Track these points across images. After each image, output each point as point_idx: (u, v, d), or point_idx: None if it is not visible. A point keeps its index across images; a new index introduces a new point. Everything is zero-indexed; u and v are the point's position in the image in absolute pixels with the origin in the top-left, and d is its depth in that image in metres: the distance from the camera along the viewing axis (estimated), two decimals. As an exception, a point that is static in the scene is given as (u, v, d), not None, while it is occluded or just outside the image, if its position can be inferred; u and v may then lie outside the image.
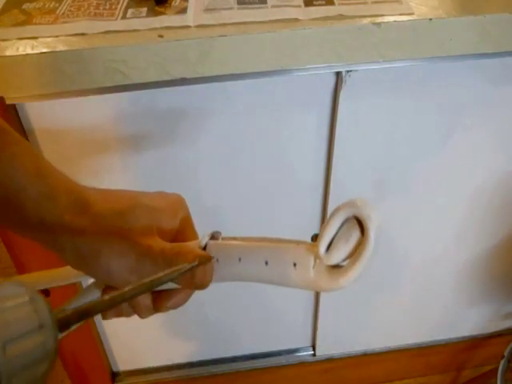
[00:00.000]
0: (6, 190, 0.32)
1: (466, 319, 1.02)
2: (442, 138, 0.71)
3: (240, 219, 0.76)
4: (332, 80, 0.63)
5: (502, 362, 0.91)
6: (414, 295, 0.94)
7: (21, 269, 0.71)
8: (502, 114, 0.70)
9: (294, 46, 0.54)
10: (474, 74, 0.65)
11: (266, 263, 0.35)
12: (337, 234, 0.32)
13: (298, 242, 0.36)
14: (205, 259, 0.35)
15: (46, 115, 0.61)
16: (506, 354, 0.91)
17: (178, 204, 0.38)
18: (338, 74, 0.62)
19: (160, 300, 0.38)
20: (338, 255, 0.32)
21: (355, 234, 0.31)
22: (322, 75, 0.62)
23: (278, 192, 0.74)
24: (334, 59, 0.56)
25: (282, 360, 1.02)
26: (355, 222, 0.31)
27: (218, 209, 0.74)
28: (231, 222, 0.76)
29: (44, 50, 0.52)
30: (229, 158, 0.69)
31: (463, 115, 0.69)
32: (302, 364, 1.02)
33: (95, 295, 0.39)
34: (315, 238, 0.85)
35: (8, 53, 0.52)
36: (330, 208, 0.75)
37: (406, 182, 0.76)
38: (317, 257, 0.33)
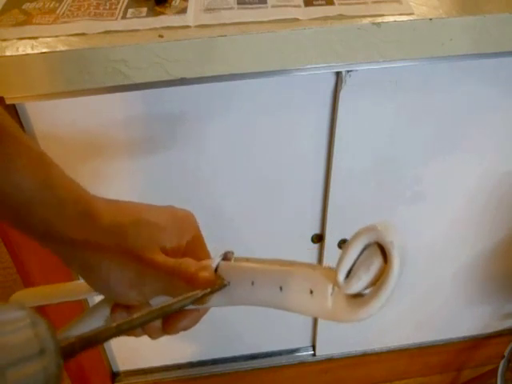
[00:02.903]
0: (15, 200, 0.32)
1: (466, 319, 1.02)
2: (442, 137, 0.71)
3: (240, 218, 0.76)
4: (332, 80, 0.63)
5: (502, 362, 0.91)
6: (414, 295, 0.94)
7: (21, 269, 0.71)
8: (502, 113, 0.70)
9: (294, 46, 0.54)
10: (474, 74, 0.64)
11: (281, 289, 0.33)
12: (357, 260, 0.29)
13: (314, 267, 0.33)
14: (216, 283, 0.34)
15: (46, 115, 0.61)
16: (506, 354, 0.91)
17: (185, 223, 0.37)
18: (337, 74, 0.62)
19: (170, 322, 0.37)
20: (359, 284, 0.29)
21: (377, 262, 0.28)
22: (321, 75, 0.62)
23: (278, 192, 0.74)
24: (333, 59, 0.56)
25: (282, 360, 1.02)
26: (377, 247, 0.29)
27: (217, 207, 0.74)
28: (231, 220, 0.76)
29: (44, 50, 0.52)
30: (228, 157, 0.69)
31: (463, 115, 0.69)
32: (302, 364, 1.02)
33: (104, 313, 0.39)
34: (316, 238, 0.85)
35: (8, 53, 0.52)
36: (330, 208, 0.75)
37: (406, 182, 0.76)
38: (335, 284, 0.30)
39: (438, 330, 1.03)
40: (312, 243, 0.81)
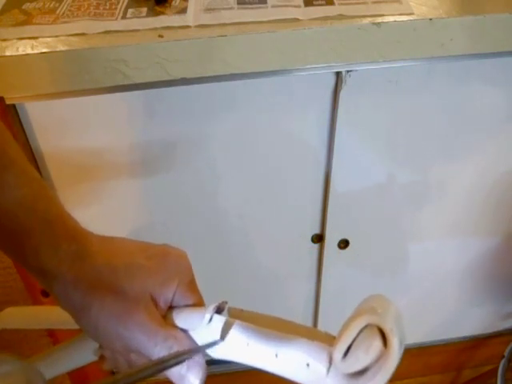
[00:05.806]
0: (10, 230, 0.32)
1: (467, 319, 1.02)
2: (442, 137, 0.71)
3: (240, 218, 0.76)
4: (332, 80, 0.63)
5: (502, 362, 0.91)
6: (414, 296, 0.94)
7: (21, 269, 0.71)
8: (502, 113, 0.70)
9: (294, 46, 0.55)
10: (474, 74, 0.65)
11: (276, 356, 0.32)
12: (356, 338, 0.29)
13: (312, 335, 0.32)
14: (211, 343, 0.34)
15: (46, 115, 0.61)
16: (505, 354, 0.91)
17: (177, 265, 0.37)
18: (337, 73, 0.62)
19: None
20: (357, 365, 0.29)
21: (376, 345, 0.28)
22: (321, 75, 0.62)
23: (278, 192, 0.74)
24: (333, 59, 0.56)
25: (282, 360, 1.01)
26: (376, 330, 0.29)
27: (217, 207, 0.74)
28: (230, 220, 0.76)
29: (44, 50, 0.52)
30: (228, 157, 0.69)
31: (463, 115, 0.69)
32: (302, 364, 1.02)
33: (93, 344, 0.38)
34: (316, 238, 0.85)
35: (8, 53, 0.52)
36: (330, 208, 0.75)
37: (406, 182, 0.76)
38: (332, 359, 0.30)
39: (438, 330, 1.03)
40: (312, 243, 0.81)
